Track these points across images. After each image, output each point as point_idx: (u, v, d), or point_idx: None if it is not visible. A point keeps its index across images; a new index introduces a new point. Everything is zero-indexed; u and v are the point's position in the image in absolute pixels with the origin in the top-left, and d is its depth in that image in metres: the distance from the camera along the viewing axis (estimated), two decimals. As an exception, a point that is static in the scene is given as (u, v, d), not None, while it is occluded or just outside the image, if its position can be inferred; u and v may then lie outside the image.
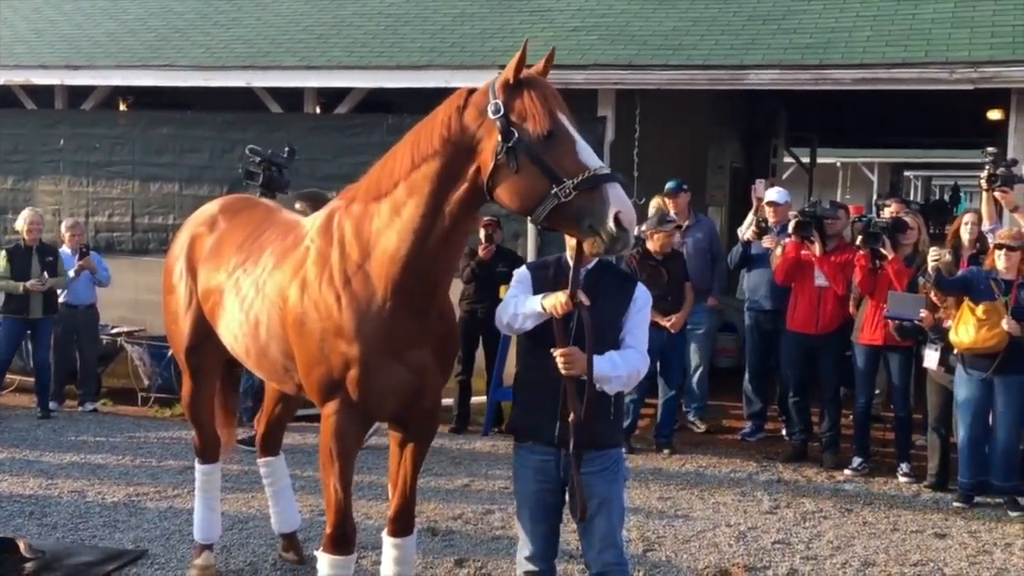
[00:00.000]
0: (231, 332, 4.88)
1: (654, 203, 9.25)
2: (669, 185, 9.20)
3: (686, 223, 9.09)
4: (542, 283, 4.05)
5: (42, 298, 9.64)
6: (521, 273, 4.18)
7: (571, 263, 3.85)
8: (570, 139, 3.69)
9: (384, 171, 4.18)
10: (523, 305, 3.97)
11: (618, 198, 3.60)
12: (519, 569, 4.16)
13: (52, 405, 9.81)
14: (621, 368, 3.92)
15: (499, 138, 3.74)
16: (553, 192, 3.63)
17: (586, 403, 3.82)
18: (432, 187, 3.95)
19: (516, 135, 3.71)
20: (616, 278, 4.14)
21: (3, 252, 9.82)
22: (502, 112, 3.76)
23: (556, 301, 3.83)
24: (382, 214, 4.13)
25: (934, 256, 7.22)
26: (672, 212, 9.01)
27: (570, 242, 3.96)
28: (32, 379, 10.85)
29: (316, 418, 8.97)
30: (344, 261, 4.22)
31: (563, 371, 3.80)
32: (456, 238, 4.07)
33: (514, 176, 3.74)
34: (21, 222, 9.87)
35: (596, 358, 3.82)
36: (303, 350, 4.34)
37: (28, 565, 5.64)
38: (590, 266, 4.00)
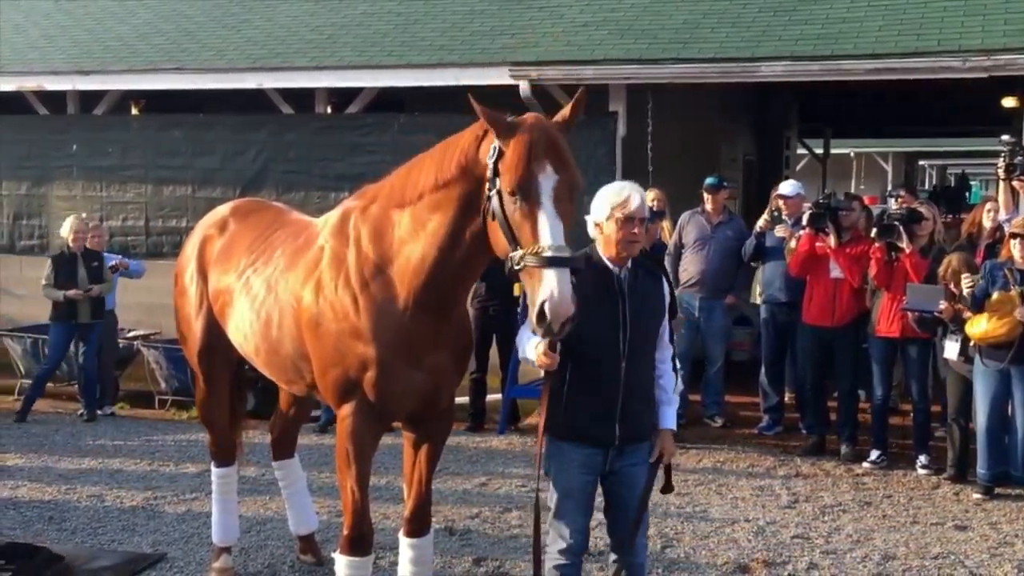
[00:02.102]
0: (240, 331, 4.88)
1: (650, 195, 9.22)
2: (709, 180, 9.19)
3: (718, 219, 9.06)
4: (582, 285, 3.86)
5: (89, 303, 9.73)
6: None
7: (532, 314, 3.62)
8: (536, 204, 3.55)
9: (409, 181, 4.13)
10: (526, 350, 3.93)
11: (553, 286, 3.46)
12: (551, 563, 4.13)
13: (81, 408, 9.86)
14: (676, 402, 4.24)
15: (488, 182, 3.70)
16: (510, 254, 3.60)
17: (632, 395, 4.01)
18: (455, 210, 3.92)
19: (497, 185, 3.65)
20: (650, 276, 4.14)
21: (49, 259, 9.89)
22: (495, 156, 3.68)
23: (538, 356, 3.81)
24: (404, 224, 4.11)
25: (968, 284, 7.15)
26: (709, 207, 9.02)
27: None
28: (50, 384, 10.94)
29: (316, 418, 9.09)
30: (361, 262, 4.21)
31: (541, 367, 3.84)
32: (480, 254, 3.99)
33: (491, 224, 3.72)
34: (66, 229, 9.92)
35: (668, 417, 4.15)
36: (319, 351, 4.34)
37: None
38: (628, 264, 4.01)
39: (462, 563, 5.89)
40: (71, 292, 9.63)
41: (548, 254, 3.49)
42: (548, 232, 3.52)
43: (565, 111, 3.79)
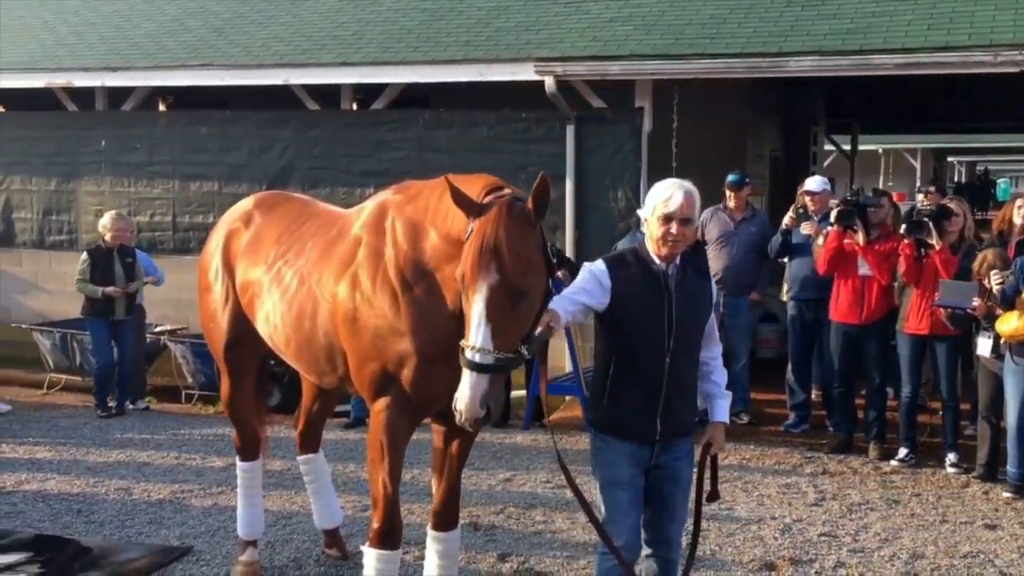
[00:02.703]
0: (271, 323, 4.89)
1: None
2: (731, 177, 9.15)
3: (740, 216, 9.02)
4: (624, 281, 3.98)
5: (124, 300, 9.81)
6: (597, 269, 4.00)
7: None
8: (471, 302, 3.59)
9: (440, 207, 4.11)
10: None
11: (464, 390, 3.55)
12: (605, 563, 4.09)
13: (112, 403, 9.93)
14: (729, 396, 4.26)
15: None
16: None
17: (676, 392, 4.02)
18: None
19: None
20: (697, 274, 4.14)
21: (84, 253, 9.96)
22: (468, 236, 3.75)
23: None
24: (438, 244, 4.12)
25: (998, 280, 7.07)
26: (732, 203, 8.98)
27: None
28: (78, 378, 11.03)
29: (344, 414, 9.13)
30: (400, 260, 4.22)
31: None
32: None
33: None
34: (104, 224, 9.98)
35: (720, 409, 4.16)
36: (355, 346, 4.35)
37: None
38: (677, 262, 4.02)
39: (487, 559, 5.89)
40: (110, 289, 9.69)
41: (467, 355, 3.57)
42: (473, 334, 3.58)
43: (529, 200, 3.73)
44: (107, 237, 9.91)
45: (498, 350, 3.57)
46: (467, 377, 3.56)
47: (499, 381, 3.65)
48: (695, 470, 4.23)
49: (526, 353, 3.65)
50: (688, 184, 4.04)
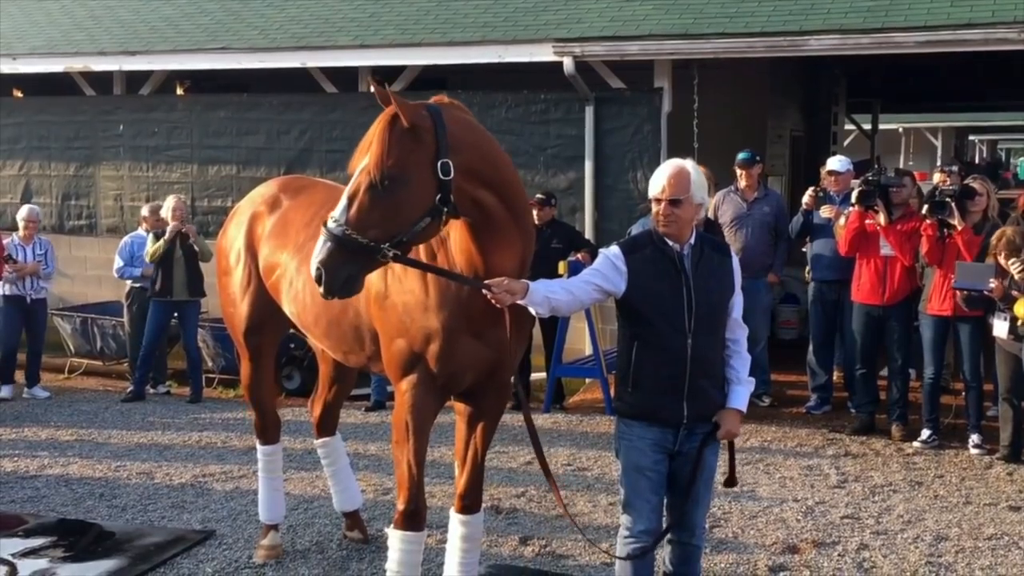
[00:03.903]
0: (298, 303, 4.89)
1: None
2: (742, 156, 9.05)
3: (753, 196, 8.93)
4: (639, 264, 3.98)
5: (186, 281, 9.78)
6: (613, 253, 4.05)
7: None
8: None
9: None
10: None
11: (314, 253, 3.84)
12: (626, 547, 4.09)
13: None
14: (750, 384, 4.20)
15: None
16: None
17: (700, 373, 3.99)
18: None
19: None
20: (715, 252, 4.13)
21: (151, 235, 9.95)
22: None
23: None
24: None
25: (1018, 268, 6.98)
26: (743, 183, 8.88)
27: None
28: (99, 363, 11.10)
29: (365, 398, 9.13)
30: None
31: (498, 301, 3.83)
32: (502, 227, 4.04)
33: None
34: (166, 209, 9.97)
35: (737, 396, 4.09)
36: (384, 323, 4.36)
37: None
38: (692, 242, 4.00)
39: (509, 542, 5.89)
40: (173, 225, 9.67)
41: (324, 228, 3.85)
42: (337, 207, 3.88)
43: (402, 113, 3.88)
44: (169, 219, 9.85)
45: (352, 230, 3.75)
46: (319, 241, 3.83)
47: (340, 254, 3.77)
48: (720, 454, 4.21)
49: (386, 251, 3.78)
50: (683, 163, 4.07)
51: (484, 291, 3.85)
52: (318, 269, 3.80)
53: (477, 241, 4.05)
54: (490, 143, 4.09)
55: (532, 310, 3.94)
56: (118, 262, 10.22)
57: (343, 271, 3.80)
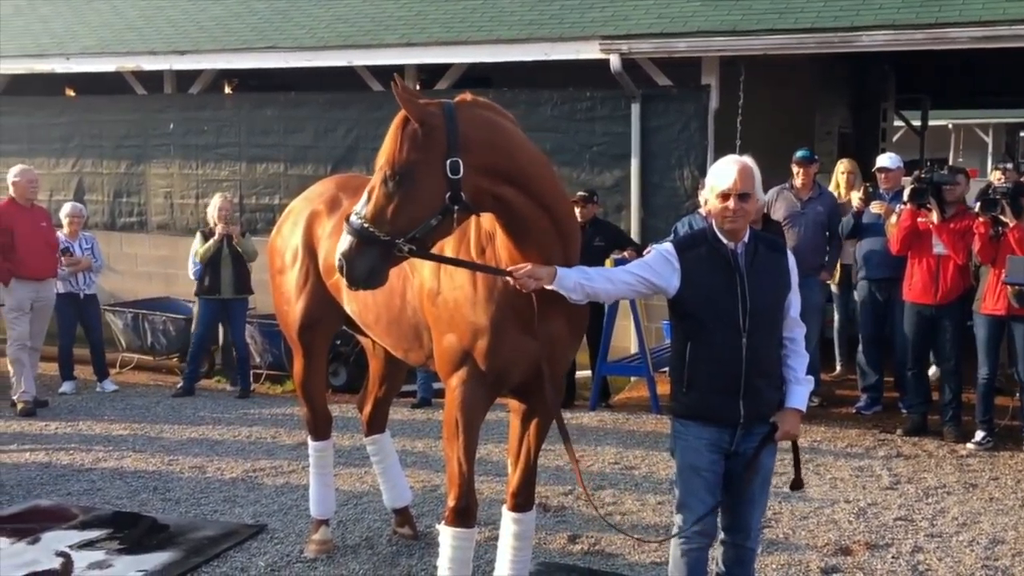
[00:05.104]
0: (359, 300, 4.92)
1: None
2: (800, 153, 8.93)
3: (807, 195, 8.83)
4: (693, 263, 3.95)
5: (232, 279, 9.89)
6: (666, 250, 4.03)
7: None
8: None
9: None
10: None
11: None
12: (680, 547, 4.07)
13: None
14: (808, 383, 4.12)
15: None
16: None
17: (756, 372, 3.94)
18: None
19: None
20: (770, 250, 4.08)
21: (199, 233, 10.11)
22: None
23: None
24: None
25: None
26: (799, 181, 8.82)
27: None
28: (149, 358, 11.25)
29: (411, 394, 9.17)
30: (479, 232, 4.25)
31: (522, 286, 3.87)
32: (541, 216, 4.02)
33: None
34: (212, 208, 10.08)
35: (795, 395, 4.03)
36: (436, 320, 4.39)
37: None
38: (746, 240, 3.97)
39: (557, 540, 5.89)
40: (222, 227, 9.79)
41: (346, 222, 3.95)
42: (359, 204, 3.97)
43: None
44: (215, 219, 9.95)
45: (369, 223, 3.83)
46: (342, 234, 3.94)
47: (360, 246, 3.84)
48: (776, 457, 4.18)
49: (401, 245, 3.83)
50: (744, 158, 4.03)
51: (508, 278, 3.89)
52: (340, 260, 3.88)
53: (512, 238, 4.06)
54: (510, 139, 4.03)
55: (565, 295, 3.92)
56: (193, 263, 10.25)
57: (364, 263, 3.86)
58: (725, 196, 3.92)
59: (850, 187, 9.42)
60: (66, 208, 10.31)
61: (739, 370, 3.92)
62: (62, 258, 9.66)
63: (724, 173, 3.95)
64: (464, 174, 3.82)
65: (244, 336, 10.15)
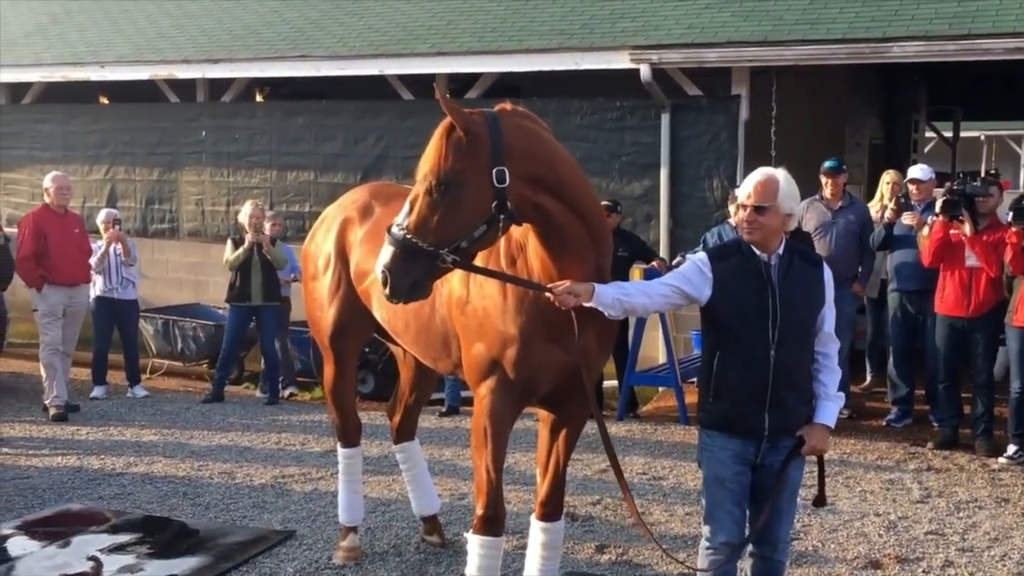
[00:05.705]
0: (390, 308, 4.92)
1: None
2: (828, 163, 8.89)
3: (838, 204, 8.78)
4: (726, 273, 3.94)
5: (262, 286, 9.96)
6: (700, 259, 4.02)
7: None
8: None
9: None
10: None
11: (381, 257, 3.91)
12: (707, 558, 4.06)
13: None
14: (839, 400, 4.11)
15: None
16: None
17: (783, 384, 3.92)
18: None
19: None
20: (806, 262, 4.07)
21: (229, 240, 10.21)
22: None
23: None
24: None
25: None
26: (828, 192, 8.77)
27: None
28: (179, 364, 11.35)
29: (439, 402, 9.18)
30: (509, 242, 4.24)
31: (561, 303, 3.85)
32: (568, 224, 4.01)
33: None
34: (243, 215, 10.15)
35: (823, 411, 4.01)
36: (465, 328, 4.40)
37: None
38: (780, 252, 3.96)
39: (585, 550, 5.88)
40: (251, 238, 9.84)
41: (388, 234, 3.94)
42: (399, 214, 3.97)
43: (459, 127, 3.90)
44: (246, 226, 9.99)
45: (412, 234, 3.82)
46: (384, 245, 3.93)
47: (403, 258, 3.83)
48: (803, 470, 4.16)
49: (445, 256, 3.81)
50: (773, 171, 4.02)
51: (548, 294, 3.88)
52: (384, 272, 3.86)
53: (547, 247, 4.05)
54: (550, 148, 4.04)
55: (604, 312, 3.92)
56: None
57: (407, 275, 3.85)
58: (743, 207, 3.99)
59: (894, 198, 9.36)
60: (100, 215, 10.43)
61: (766, 382, 3.90)
62: (99, 240, 9.78)
63: (746, 184, 4.01)
64: (509, 183, 3.83)
65: (274, 343, 10.21)
